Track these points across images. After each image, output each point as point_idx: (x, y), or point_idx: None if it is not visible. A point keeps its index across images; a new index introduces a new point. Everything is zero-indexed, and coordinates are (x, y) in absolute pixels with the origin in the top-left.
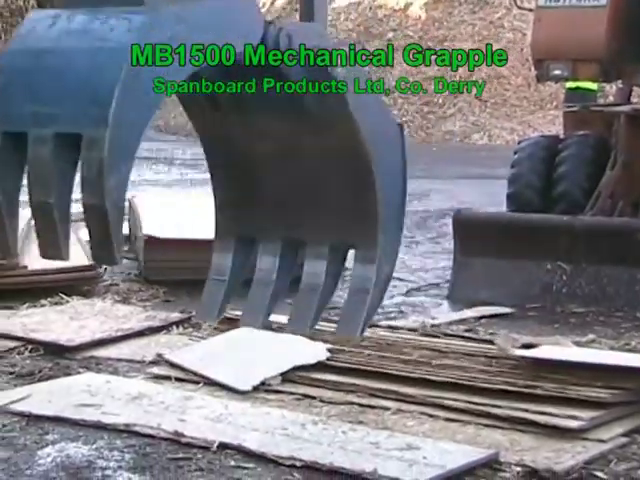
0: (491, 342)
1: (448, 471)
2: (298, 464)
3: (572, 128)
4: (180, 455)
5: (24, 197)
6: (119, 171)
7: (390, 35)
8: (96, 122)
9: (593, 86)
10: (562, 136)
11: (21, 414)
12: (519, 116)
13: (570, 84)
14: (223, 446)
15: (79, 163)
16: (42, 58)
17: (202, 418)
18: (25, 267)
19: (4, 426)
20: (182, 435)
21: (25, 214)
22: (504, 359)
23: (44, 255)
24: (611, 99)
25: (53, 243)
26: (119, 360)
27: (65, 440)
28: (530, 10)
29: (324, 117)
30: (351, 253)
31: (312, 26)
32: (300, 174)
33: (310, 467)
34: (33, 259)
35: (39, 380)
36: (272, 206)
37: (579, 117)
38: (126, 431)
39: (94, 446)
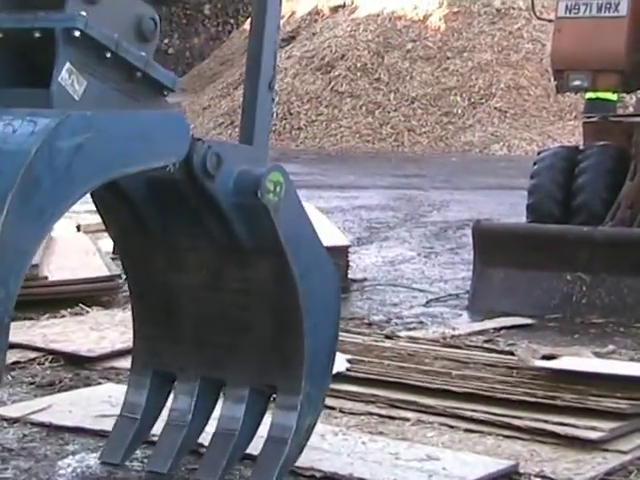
0: (511, 353)
1: None
2: (318, 475)
3: (592, 138)
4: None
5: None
6: (5, 287)
7: (409, 46)
8: None
9: (613, 96)
10: (582, 147)
11: (42, 424)
12: (538, 127)
13: (590, 94)
14: (245, 457)
15: None
16: None
17: None
18: (45, 278)
19: (24, 436)
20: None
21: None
22: (524, 370)
23: None
24: (631, 109)
25: None
26: None
27: (86, 451)
28: (550, 21)
29: (252, 247)
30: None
31: (246, 149)
32: (222, 308)
33: (330, 478)
34: (53, 270)
35: (59, 390)
36: (191, 341)
37: (599, 127)
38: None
39: None
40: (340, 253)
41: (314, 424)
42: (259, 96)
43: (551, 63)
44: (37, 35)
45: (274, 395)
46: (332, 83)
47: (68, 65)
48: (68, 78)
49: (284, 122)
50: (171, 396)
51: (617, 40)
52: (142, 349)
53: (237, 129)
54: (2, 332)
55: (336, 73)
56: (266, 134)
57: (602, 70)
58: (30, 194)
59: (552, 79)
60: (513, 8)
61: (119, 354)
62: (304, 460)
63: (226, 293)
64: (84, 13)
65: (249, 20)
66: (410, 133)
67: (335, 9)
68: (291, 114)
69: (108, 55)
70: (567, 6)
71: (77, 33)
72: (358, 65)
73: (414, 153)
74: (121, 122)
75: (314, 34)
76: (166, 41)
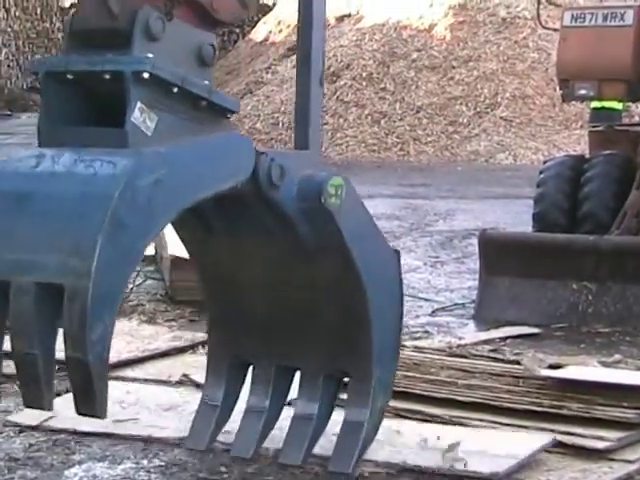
0: (517, 362)
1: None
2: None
3: (597, 148)
4: (207, 475)
5: None
6: (103, 323)
7: (415, 55)
8: (78, 273)
9: (618, 105)
10: (587, 156)
11: (62, 431)
12: (544, 136)
13: (595, 104)
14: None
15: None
16: (25, 202)
17: None
18: None
19: (31, 446)
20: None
21: None
22: (530, 379)
23: (27, 404)
24: (636, 118)
25: (36, 393)
26: (145, 380)
27: (92, 460)
28: (555, 30)
29: (317, 246)
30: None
31: (305, 155)
32: (290, 303)
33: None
34: None
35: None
36: (263, 332)
37: (604, 137)
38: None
39: (121, 467)
40: None
41: (386, 405)
42: (312, 93)
43: (557, 72)
44: (107, 77)
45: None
46: (337, 92)
47: (139, 104)
48: (140, 116)
49: (290, 131)
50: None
51: (623, 49)
52: (218, 342)
53: None
54: (103, 367)
55: (342, 82)
56: (318, 134)
57: (608, 79)
58: (116, 235)
59: (558, 88)
60: (519, 17)
61: (125, 364)
62: None
63: (294, 289)
64: (150, 55)
65: (255, 29)
66: (416, 142)
67: (340, 19)
68: None
69: (175, 90)
70: (573, 15)
71: (146, 75)
72: (364, 74)
73: (420, 162)
74: (192, 152)
75: None
76: None
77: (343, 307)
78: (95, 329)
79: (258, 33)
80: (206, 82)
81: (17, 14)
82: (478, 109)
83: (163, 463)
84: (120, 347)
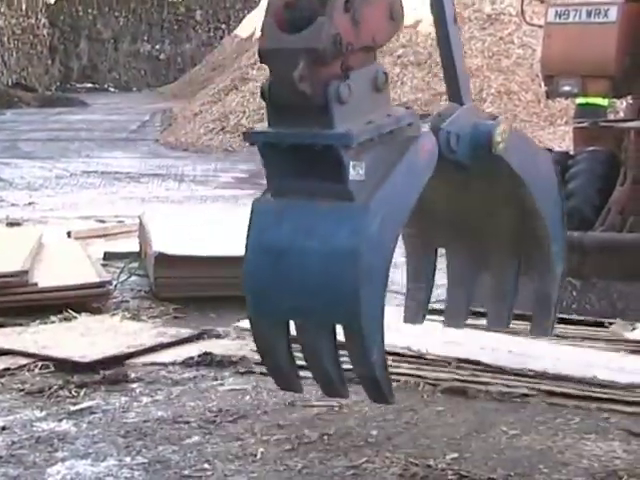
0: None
1: None
2: (530, 373)
3: (582, 144)
4: (190, 473)
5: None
6: (377, 344)
7: (400, 51)
8: (351, 316)
9: (603, 102)
10: (572, 152)
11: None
12: (529, 132)
13: (580, 100)
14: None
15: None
16: (282, 258)
17: None
18: (35, 284)
19: (13, 443)
20: None
21: (32, 234)
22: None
23: (327, 394)
24: (621, 115)
25: (334, 389)
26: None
27: (75, 457)
28: (540, 26)
29: (490, 177)
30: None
31: (466, 110)
32: (475, 212)
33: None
34: (43, 276)
35: (49, 397)
36: (456, 232)
37: (589, 133)
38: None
39: (104, 464)
40: None
41: (564, 271)
42: (450, 34)
43: (541, 69)
44: (318, 148)
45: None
46: None
47: (352, 163)
48: (354, 171)
49: None
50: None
51: (607, 46)
52: (415, 244)
53: (228, 135)
54: (383, 374)
55: None
56: (467, 80)
57: (592, 76)
58: (367, 277)
59: (542, 84)
60: (503, 14)
61: (111, 360)
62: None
63: (477, 202)
64: (352, 128)
65: (240, 25)
66: None
67: None
68: None
69: (374, 139)
70: (557, 12)
71: (353, 144)
72: None
73: None
74: (399, 177)
75: None
76: (157, 47)
77: (519, 210)
78: (373, 352)
79: (244, 29)
80: (390, 115)
81: (2, 10)
82: None
83: (146, 460)
84: (104, 343)
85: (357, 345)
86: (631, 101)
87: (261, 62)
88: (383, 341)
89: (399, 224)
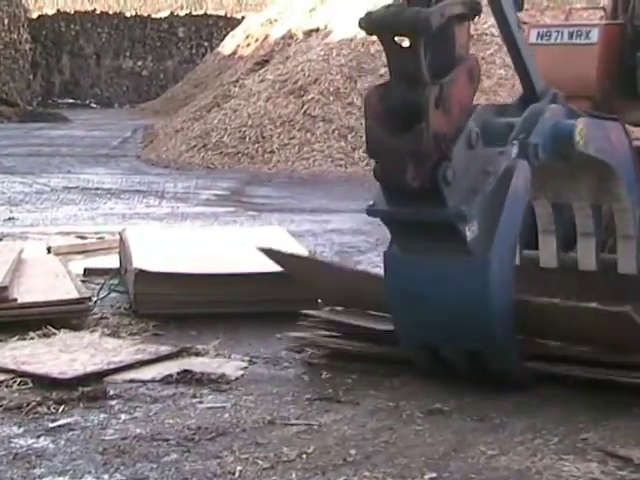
0: None
1: None
2: None
3: None
4: None
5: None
6: (513, 362)
7: (382, 71)
8: (491, 342)
9: None
10: None
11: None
12: None
13: None
14: None
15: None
16: (422, 301)
17: None
18: (15, 300)
19: None
20: None
21: (12, 249)
22: None
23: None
24: None
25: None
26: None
27: (53, 474)
28: None
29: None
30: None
31: (548, 114)
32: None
33: None
34: (23, 292)
35: (27, 413)
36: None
37: None
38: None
39: None
40: None
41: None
42: (517, 40)
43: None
44: (435, 223)
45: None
46: (305, 107)
47: (467, 227)
48: (470, 232)
49: (257, 145)
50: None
51: (588, 67)
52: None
53: (209, 152)
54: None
55: (309, 97)
56: (539, 77)
57: (574, 96)
58: (498, 312)
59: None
60: (485, 34)
61: (90, 377)
62: None
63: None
64: (464, 207)
65: (222, 43)
66: None
67: (309, 33)
68: (264, 137)
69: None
70: (539, 33)
71: (467, 221)
72: (331, 89)
73: None
74: (505, 217)
75: (287, 58)
76: (140, 63)
77: (600, 174)
78: (511, 371)
79: (226, 47)
80: (486, 171)
81: None
82: None
83: (124, 478)
84: (84, 360)
85: (503, 363)
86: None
87: (371, 157)
88: (517, 355)
89: (514, 251)
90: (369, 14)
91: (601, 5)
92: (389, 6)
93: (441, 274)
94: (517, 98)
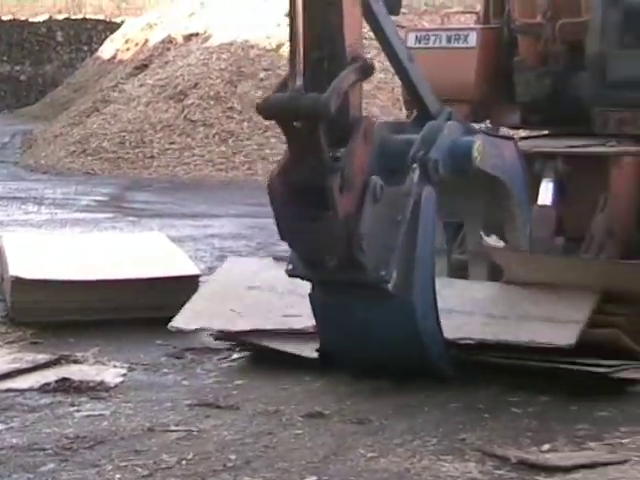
0: None
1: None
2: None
3: None
4: None
5: None
6: (442, 358)
7: (262, 75)
8: (418, 364)
9: None
10: None
11: None
12: None
13: None
14: None
15: None
16: (356, 343)
17: None
18: None
19: None
20: None
21: None
22: None
23: None
24: None
25: None
26: None
27: None
28: None
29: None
30: None
31: (447, 131)
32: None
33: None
34: None
35: None
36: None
37: None
38: None
39: None
40: (190, 282)
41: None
42: (410, 70)
43: (402, 93)
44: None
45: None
46: (185, 111)
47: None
48: (391, 283)
49: (137, 150)
50: None
51: (467, 71)
52: None
53: (89, 158)
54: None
55: (189, 101)
56: (433, 97)
57: (452, 100)
58: (427, 334)
59: (403, 109)
60: (364, 38)
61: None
62: None
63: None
64: (385, 272)
65: (102, 48)
66: (263, 161)
67: (188, 37)
68: (144, 142)
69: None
70: (417, 37)
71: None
72: (211, 94)
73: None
74: (420, 248)
75: (167, 62)
76: (18, 68)
77: (495, 194)
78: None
79: (105, 51)
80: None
81: None
82: None
83: None
84: None
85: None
86: (489, 125)
87: (283, 241)
88: (444, 349)
89: (433, 276)
90: (267, 99)
91: (477, 10)
92: (286, 91)
93: (367, 317)
94: (413, 117)
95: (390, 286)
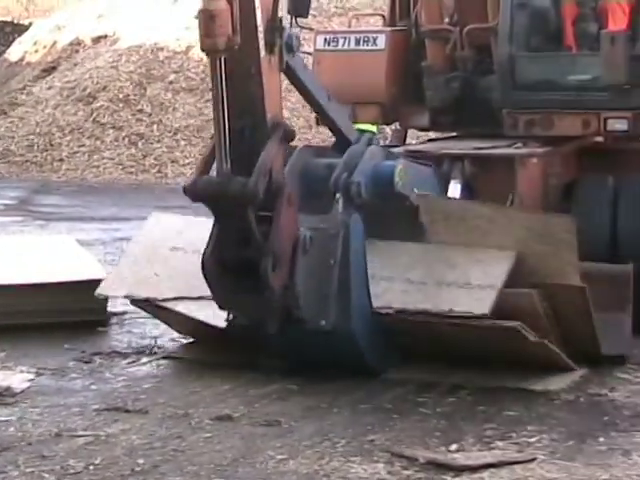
0: None
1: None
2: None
3: None
4: None
5: None
6: (373, 353)
7: (172, 77)
8: (354, 360)
9: (373, 128)
10: None
11: None
12: None
13: None
14: None
15: None
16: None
17: None
18: None
19: None
20: None
21: None
22: None
23: None
24: (387, 141)
25: None
26: None
27: None
28: (309, 53)
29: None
30: None
31: (368, 156)
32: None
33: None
34: None
35: None
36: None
37: None
38: None
39: None
40: (98, 286)
41: None
42: (328, 109)
43: None
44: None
45: None
46: (94, 114)
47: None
48: (327, 323)
49: (45, 153)
50: None
51: (376, 73)
52: None
53: None
54: None
55: (98, 104)
56: (352, 126)
57: (362, 102)
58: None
59: (313, 111)
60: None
61: None
62: None
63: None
64: (323, 322)
65: (10, 49)
66: (173, 164)
67: (97, 40)
68: (52, 145)
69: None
70: (326, 39)
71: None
72: (120, 96)
73: (177, 184)
74: (354, 281)
75: (75, 65)
76: None
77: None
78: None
79: (13, 53)
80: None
81: None
82: None
83: None
84: None
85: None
86: (398, 127)
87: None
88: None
89: (369, 291)
90: (194, 183)
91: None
92: (210, 171)
93: (313, 350)
94: (333, 143)
95: (329, 326)
